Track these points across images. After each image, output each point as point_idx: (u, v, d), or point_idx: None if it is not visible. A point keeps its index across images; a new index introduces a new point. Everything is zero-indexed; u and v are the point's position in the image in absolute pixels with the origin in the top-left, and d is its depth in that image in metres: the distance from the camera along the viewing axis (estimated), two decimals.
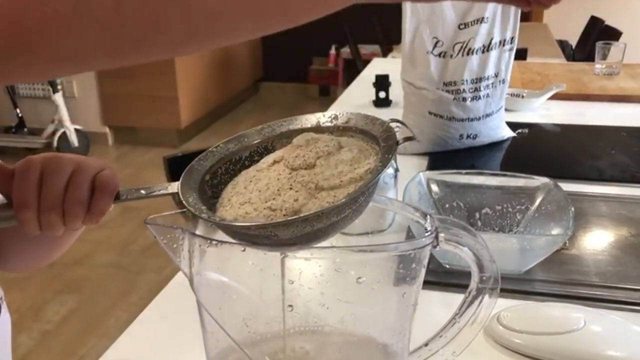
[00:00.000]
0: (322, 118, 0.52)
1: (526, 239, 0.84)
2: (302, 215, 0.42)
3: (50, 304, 2.37)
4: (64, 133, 3.74)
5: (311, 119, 0.52)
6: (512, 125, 1.38)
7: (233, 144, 0.52)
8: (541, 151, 1.32)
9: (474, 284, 0.53)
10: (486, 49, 1.20)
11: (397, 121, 0.49)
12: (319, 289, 0.48)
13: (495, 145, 1.30)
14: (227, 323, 0.47)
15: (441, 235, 0.50)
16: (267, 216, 0.43)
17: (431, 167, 1.20)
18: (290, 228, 0.42)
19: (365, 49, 4.54)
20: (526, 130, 1.39)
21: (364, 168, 0.46)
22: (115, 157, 3.97)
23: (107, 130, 4.10)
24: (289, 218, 0.42)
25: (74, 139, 3.77)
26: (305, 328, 0.51)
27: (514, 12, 1.20)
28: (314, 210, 0.43)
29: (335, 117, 0.52)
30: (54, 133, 3.76)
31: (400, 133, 0.47)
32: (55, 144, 3.73)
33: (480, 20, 1.19)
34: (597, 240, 0.95)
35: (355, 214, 0.46)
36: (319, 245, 0.45)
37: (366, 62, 3.94)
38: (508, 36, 1.21)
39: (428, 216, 0.51)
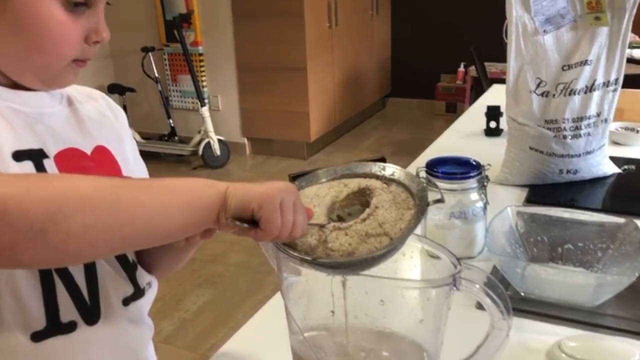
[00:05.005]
0: (374, 167, 0.68)
1: (599, 277, 0.91)
2: (353, 258, 0.59)
3: (190, 295, 2.70)
4: (208, 142, 4.15)
5: (367, 167, 0.69)
6: (621, 161, 1.41)
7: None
8: None
9: (490, 328, 0.64)
10: (589, 89, 1.26)
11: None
12: (359, 302, 0.63)
13: (597, 180, 1.34)
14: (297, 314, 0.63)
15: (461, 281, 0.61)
16: (328, 255, 0.59)
17: (530, 199, 1.28)
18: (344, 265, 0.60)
19: (495, 67, 4.52)
20: (633, 167, 1.41)
21: (401, 225, 0.60)
22: (251, 165, 4.34)
23: (245, 141, 4.49)
24: (342, 260, 0.60)
25: (216, 148, 4.17)
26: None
27: (619, 55, 1.25)
28: (364, 254, 0.59)
29: (384, 168, 0.67)
30: (199, 142, 4.19)
31: (431, 195, 0.62)
32: (200, 151, 4.16)
33: (584, 62, 1.25)
34: None
35: (390, 256, 0.62)
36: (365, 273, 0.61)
37: (492, 81, 3.96)
38: (612, 77, 1.26)
39: (458, 264, 0.63)
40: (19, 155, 0.67)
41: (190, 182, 0.60)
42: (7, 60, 0.69)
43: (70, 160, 0.73)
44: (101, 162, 0.78)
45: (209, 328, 2.46)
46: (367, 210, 0.62)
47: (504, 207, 1.04)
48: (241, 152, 4.47)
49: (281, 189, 0.59)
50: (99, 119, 0.81)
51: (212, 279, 2.84)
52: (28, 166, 0.67)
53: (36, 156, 0.69)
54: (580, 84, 1.25)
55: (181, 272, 2.82)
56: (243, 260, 2.97)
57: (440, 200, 0.65)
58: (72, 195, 0.54)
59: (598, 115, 1.27)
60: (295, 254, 0.61)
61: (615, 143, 1.57)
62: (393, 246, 0.59)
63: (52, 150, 0.71)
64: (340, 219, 0.65)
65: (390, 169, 0.67)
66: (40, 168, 0.68)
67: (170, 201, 0.58)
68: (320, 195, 0.66)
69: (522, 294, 0.92)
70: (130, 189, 0.58)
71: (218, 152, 4.19)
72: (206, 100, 4.24)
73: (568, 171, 1.31)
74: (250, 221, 0.58)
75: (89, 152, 0.76)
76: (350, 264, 0.59)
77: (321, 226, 0.61)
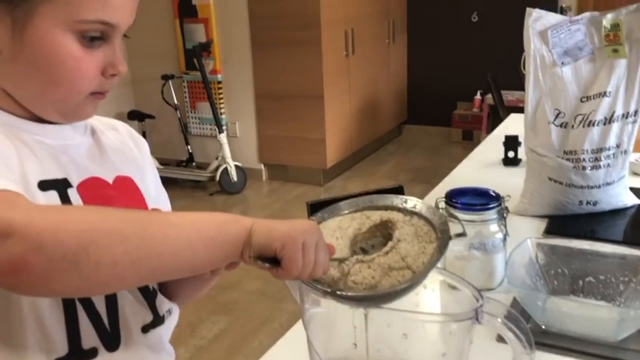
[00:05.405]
0: (395, 200, 0.68)
1: (623, 311, 0.90)
2: (376, 292, 0.59)
3: (205, 322, 2.69)
4: (226, 168, 4.19)
5: (388, 200, 0.69)
6: None
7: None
8: None
9: None
10: (608, 121, 1.26)
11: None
12: (381, 335, 0.63)
13: (617, 212, 1.33)
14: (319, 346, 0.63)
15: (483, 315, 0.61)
16: (350, 288, 0.60)
17: (550, 230, 1.28)
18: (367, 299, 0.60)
19: (511, 95, 4.54)
20: None
21: (424, 259, 0.60)
22: (267, 191, 4.36)
23: (262, 167, 4.52)
24: (365, 293, 0.60)
25: (233, 174, 4.20)
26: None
27: (638, 86, 1.25)
28: (387, 288, 0.60)
29: (405, 201, 0.67)
30: (217, 168, 4.23)
31: (451, 226, 0.62)
32: (217, 177, 4.19)
33: (603, 94, 1.25)
34: None
35: (412, 290, 0.62)
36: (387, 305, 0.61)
37: (509, 109, 3.96)
38: (632, 109, 1.26)
39: (480, 297, 0.63)
40: (44, 185, 0.69)
41: (216, 217, 0.62)
42: (26, 96, 0.71)
43: (93, 189, 0.74)
44: (123, 191, 0.79)
45: (225, 356, 2.45)
46: (390, 243, 0.63)
47: (523, 239, 1.04)
48: (258, 178, 4.50)
49: (304, 230, 0.60)
50: (120, 148, 0.83)
51: (228, 305, 2.84)
52: (53, 195, 0.69)
53: (60, 186, 0.71)
54: (599, 116, 1.25)
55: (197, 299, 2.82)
56: (259, 288, 2.97)
57: (462, 234, 0.65)
58: (104, 227, 0.56)
59: (617, 146, 1.27)
60: (318, 286, 0.61)
61: (636, 174, 1.56)
62: (416, 280, 0.59)
63: (75, 180, 0.73)
64: (363, 251, 0.66)
65: (412, 202, 0.68)
66: (64, 197, 0.70)
67: (196, 236, 0.59)
68: (343, 227, 0.67)
69: (543, 327, 0.91)
70: (159, 223, 0.59)
71: (235, 178, 4.22)
72: (224, 127, 4.30)
73: (588, 202, 1.31)
74: (273, 259, 0.59)
75: (110, 181, 0.78)
76: (373, 298, 0.60)
77: (342, 261, 0.62)
